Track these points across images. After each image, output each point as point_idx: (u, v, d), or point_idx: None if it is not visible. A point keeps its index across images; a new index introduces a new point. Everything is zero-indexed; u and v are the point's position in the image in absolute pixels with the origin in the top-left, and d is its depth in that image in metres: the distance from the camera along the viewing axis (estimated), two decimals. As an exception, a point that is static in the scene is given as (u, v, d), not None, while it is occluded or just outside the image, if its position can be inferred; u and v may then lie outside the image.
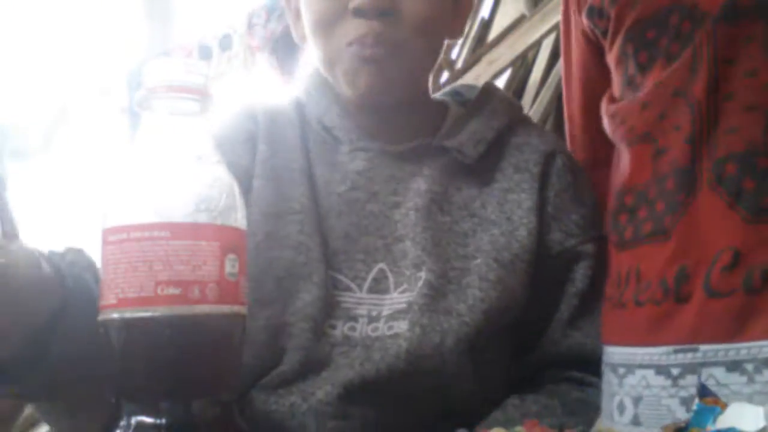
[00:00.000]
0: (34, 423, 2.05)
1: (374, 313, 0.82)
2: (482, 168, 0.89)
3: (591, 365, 0.86)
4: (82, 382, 0.62)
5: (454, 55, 2.73)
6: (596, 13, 0.87)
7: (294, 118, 0.91)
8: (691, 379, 0.73)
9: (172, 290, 0.50)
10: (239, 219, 0.55)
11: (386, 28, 0.81)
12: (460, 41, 2.78)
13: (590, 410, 0.84)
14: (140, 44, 3.73)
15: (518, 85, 2.58)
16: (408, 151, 0.88)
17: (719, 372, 0.72)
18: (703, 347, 0.73)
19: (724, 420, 0.55)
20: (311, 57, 0.89)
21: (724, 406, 0.56)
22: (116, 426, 0.51)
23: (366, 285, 0.83)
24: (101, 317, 0.52)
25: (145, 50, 3.61)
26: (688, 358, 0.73)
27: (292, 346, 0.81)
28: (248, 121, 0.91)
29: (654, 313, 0.77)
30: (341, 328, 0.82)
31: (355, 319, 0.82)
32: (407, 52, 0.83)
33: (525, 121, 0.95)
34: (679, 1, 0.77)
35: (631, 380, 0.78)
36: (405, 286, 0.82)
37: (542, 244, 0.87)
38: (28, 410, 0.86)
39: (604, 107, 0.89)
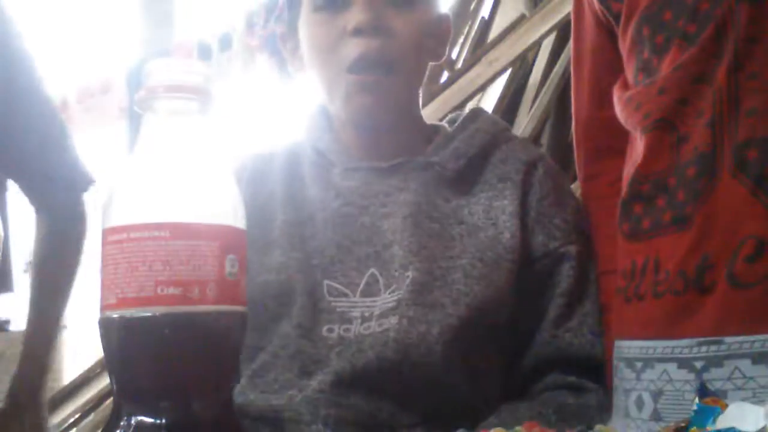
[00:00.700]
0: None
1: (367, 314, 0.87)
2: (468, 180, 0.94)
3: (582, 365, 0.88)
4: None
5: (454, 55, 2.74)
6: None
7: (283, 158, 0.99)
8: (716, 372, 0.71)
9: (172, 290, 0.50)
10: (239, 219, 0.55)
11: (382, 45, 0.87)
12: (460, 41, 2.78)
13: (587, 417, 0.84)
14: (140, 44, 3.73)
15: (518, 85, 2.58)
16: (396, 167, 0.94)
17: (745, 364, 0.70)
18: (728, 339, 0.70)
19: (724, 420, 0.55)
20: (310, 85, 0.95)
21: (724, 406, 0.56)
22: (116, 426, 0.51)
23: (359, 290, 0.88)
24: (101, 317, 0.52)
25: (145, 50, 3.61)
26: (712, 350, 0.71)
27: (289, 354, 0.86)
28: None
29: (674, 305, 0.74)
30: (337, 331, 0.87)
31: (349, 321, 0.87)
32: (401, 72, 0.89)
33: (509, 137, 0.99)
34: None
35: (650, 374, 0.76)
36: (394, 286, 0.87)
37: (527, 247, 0.90)
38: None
39: (617, 94, 0.87)
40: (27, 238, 1.11)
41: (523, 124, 2.38)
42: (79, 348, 3.33)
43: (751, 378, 0.69)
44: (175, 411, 0.51)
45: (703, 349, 0.72)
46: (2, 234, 0.69)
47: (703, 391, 0.62)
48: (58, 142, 1.05)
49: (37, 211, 1.07)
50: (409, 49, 0.89)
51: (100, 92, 3.62)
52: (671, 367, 0.74)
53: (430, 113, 2.39)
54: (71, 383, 2.85)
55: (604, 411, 0.84)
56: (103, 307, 0.52)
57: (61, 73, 3.86)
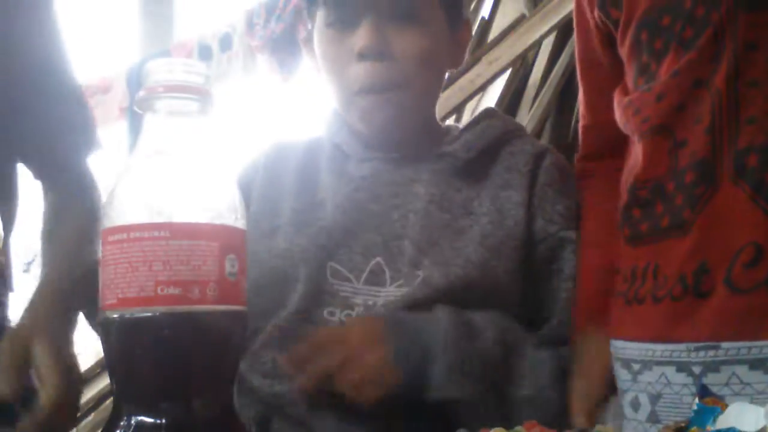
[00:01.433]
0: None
1: (370, 303, 0.88)
2: (478, 172, 0.95)
3: None
4: None
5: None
6: (609, 3, 0.85)
7: (300, 150, 1.02)
8: (713, 377, 0.71)
9: (172, 290, 0.50)
10: (239, 219, 0.55)
11: (387, 69, 0.90)
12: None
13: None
14: (140, 44, 3.73)
15: (518, 85, 2.58)
16: (408, 159, 0.96)
17: (742, 370, 0.70)
18: (726, 345, 0.71)
19: (724, 420, 0.55)
20: (327, 93, 0.98)
21: (724, 406, 0.56)
22: (116, 426, 0.51)
23: (363, 277, 0.90)
24: (101, 317, 0.52)
25: (145, 50, 3.61)
26: (709, 355, 0.72)
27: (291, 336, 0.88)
28: (249, 169, 1.03)
29: (672, 309, 0.75)
30: (339, 315, 0.88)
31: (351, 307, 0.88)
32: (409, 89, 0.92)
33: (520, 133, 1.01)
34: None
35: (647, 377, 0.77)
36: (402, 281, 0.88)
37: (529, 233, 0.92)
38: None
39: (617, 98, 0.87)
40: (26, 238, 1.11)
41: (523, 124, 2.38)
42: (79, 348, 3.32)
43: (748, 384, 0.70)
44: (175, 411, 0.51)
45: (701, 354, 0.72)
46: (2, 234, 0.69)
47: (703, 392, 0.62)
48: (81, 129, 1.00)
49: (48, 189, 0.99)
50: (415, 67, 0.91)
51: (100, 92, 3.62)
52: (670, 370, 0.74)
53: (430, 113, 2.39)
54: (71, 383, 2.84)
55: None
56: (103, 307, 0.52)
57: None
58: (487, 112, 1.02)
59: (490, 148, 0.96)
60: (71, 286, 0.83)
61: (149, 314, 0.50)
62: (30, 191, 0.99)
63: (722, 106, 0.73)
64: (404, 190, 0.94)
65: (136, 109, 0.56)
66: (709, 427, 0.55)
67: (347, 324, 0.85)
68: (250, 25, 3.12)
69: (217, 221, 0.53)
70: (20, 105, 0.89)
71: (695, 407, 0.58)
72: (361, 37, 0.89)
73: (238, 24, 3.18)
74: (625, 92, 0.86)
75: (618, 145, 0.89)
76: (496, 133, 0.97)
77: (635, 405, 0.78)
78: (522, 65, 2.58)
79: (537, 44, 2.48)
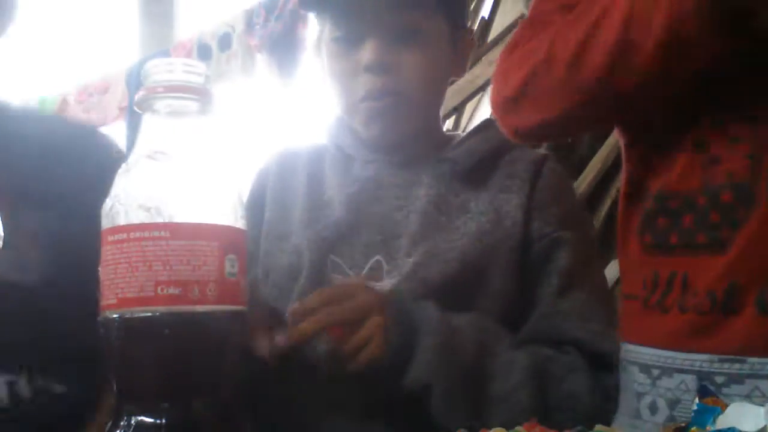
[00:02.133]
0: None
1: None
2: (478, 177, 0.97)
3: (566, 347, 0.89)
4: None
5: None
6: None
7: (306, 155, 1.06)
8: (735, 389, 0.71)
9: (172, 290, 0.50)
10: (239, 219, 0.55)
11: (390, 81, 0.93)
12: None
13: (555, 368, 0.86)
14: (140, 44, 3.73)
15: (518, 84, 2.57)
16: (411, 162, 0.99)
17: (766, 384, 0.71)
18: (752, 359, 0.71)
19: (724, 420, 0.55)
20: (331, 99, 1.01)
21: (724, 406, 0.56)
22: (116, 426, 0.51)
23: (362, 274, 0.92)
24: (101, 317, 0.52)
25: (145, 50, 3.61)
26: (735, 368, 0.72)
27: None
28: (261, 176, 1.07)
29: (698, 321, 0.75)
30: None
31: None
32: (412, 100, 0.95)
33: (520, 144, 1.01)
34: None
35: (667, 383, 0.77)
36: (395, 272, 0.91)
37: (526, 234, 0.94)
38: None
39: None
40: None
41: (523, 124, 2.38)
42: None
43: None
44: (175, 411, 0.51)
45: (725, 365, 0.73)
46: (2, 234, 0.69)
47: (703, 391, 0.62)
48: None
49: None
50: (419, 80, 0.94)
51: (100, 92, 3.62)
52: (690, 378, 0.75)
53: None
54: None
55: (572, 371, 0.86)
56: (103, 307, 0.52)
57: (62, 72, 3.86)
58: (489, 122, 1.04)
59: (490, 155, 0.99)
60: None
61: (149, 314, 0.50)
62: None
63: (765, 135, 0.73)
64: (405, 193, 0.97)
65: (135, 108, 0.56)
66: (709, 427, 0.55)
67: (358, 281, 0.88)
68: (249, 24, 3.12)
69: (217, 221, 0.53)
70: None
71: (695, 407, 0.58)
72: (367, 53, 0.92)
73: (237, 24, 3.17)
74: None
75: None
76: (497, 143, 0.99)
77: (653, 408, 0.78)
78: (522, 65, 2.57)
79: (537, 44, 2.47)
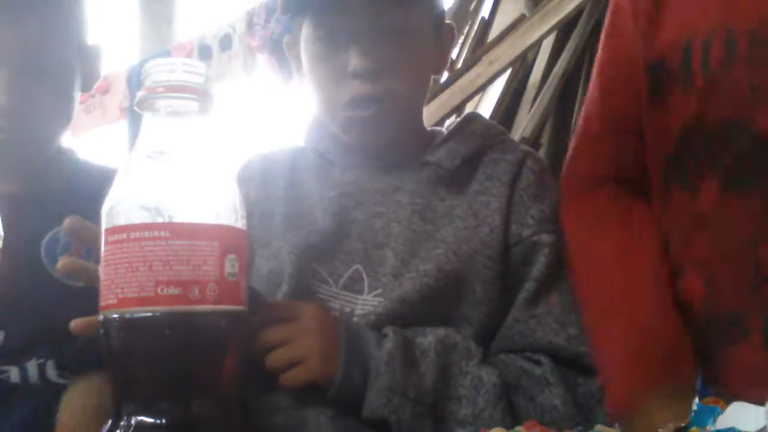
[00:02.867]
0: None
1: (347, 310, 0.88)
2: (460, 179, 0.95)
3: (538, 353, 0.88)
4: None
5: (454, 55, 2.74)
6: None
7: (286, 160, 1.03)
8: None
9: (172, 290, 0.50)
10: (239, 219, 0.55)
11: (377, 83, 0.89)
12: (460, 41, 2.79)
13: (527, 383, 0.85)
14: (140, 44, 3.72)
15: (518, 85, 2.58)
16: (393, 167, 0.96)
17: None
18: None
19: (724, 420, 0.55)
20: (310, 101, 0.98)
21: (725, 406, 0.56)
22: (116, 426, 0.51)
23: (341, 281, 0.90)
24: (101, 317, 0.52)
25: (145, 50, 3.61)
26: None
27: None
28: (242, 182, 0.98)
29: None
30: None
31: (328, 311, 0.87)
32: (396, 107, 0.91)
33: (502, 140, 1.01)
34: None
35: None
36: (380, 290, 0.88)
37: (505, 239, 0.92)
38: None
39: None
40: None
41: (523, 124, 2.38)
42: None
43: None
44: (175, 411, 0.51)
45: None
46: (2, 234, 0.70)
47: (703, 392, 0.62)
48: None
49: None
50: (405, 79, 0.91)
51: (100, 92, 3.62)
52: None
53: (430, 113, 2.39)
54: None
55: (545, 385, 0.84)
56: (103, 307, 0.52)
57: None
58: (470, 117, 1.02)
59: (473, 155, 0.96)
60: None
61: (149, 314, 0.50)
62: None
63: None
64: (388, 199, 0.94)
65: (136, 108, 0.56)
66: (709, 427, 0.55)
67: (304, 305, 0.84)
68: (250, 25, 3.12)
69: (217, 221, 0.53)
70: None
71: (695, 407, 0.58)
72: (355, 57, 0.88)
73: (238, 24, 3.17)
74: None
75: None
76: (479, 141, 0.97)
77: None
78: (522, 65, 2.58)
79: (537, 44, 2.48)
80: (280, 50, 3.02)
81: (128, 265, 0.51)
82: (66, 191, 0.99)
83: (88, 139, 3.55)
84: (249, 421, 0.85)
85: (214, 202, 0.54)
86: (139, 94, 0.55)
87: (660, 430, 0.59)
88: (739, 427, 0.53)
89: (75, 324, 0.72)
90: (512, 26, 2.55)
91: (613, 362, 0.82)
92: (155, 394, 0.51)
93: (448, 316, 0.88)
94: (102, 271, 0.53)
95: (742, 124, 0.75)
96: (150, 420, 0.51)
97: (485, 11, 2.82)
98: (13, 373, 0.89)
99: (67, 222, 0.68)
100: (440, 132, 1.02)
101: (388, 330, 0.83)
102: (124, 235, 0.51)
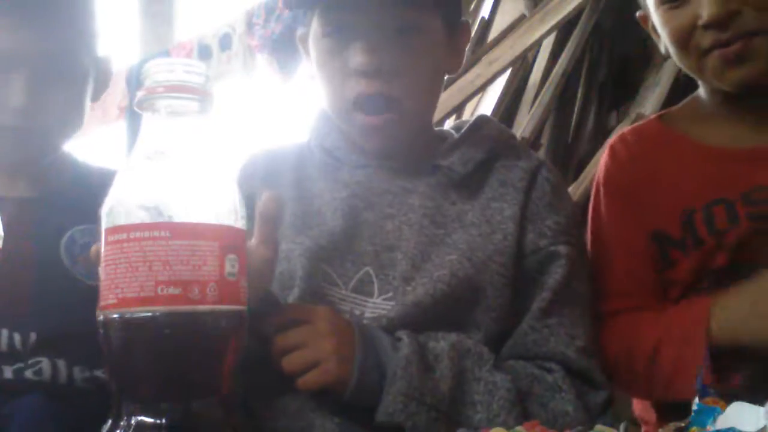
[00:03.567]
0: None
1: (357, 312, 0.88)
2: (472, 184, 0.95)
3: (549, 362, 0.88)
4: None
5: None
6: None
7: (291, 157, 1.01)
8: None
9: (172, 290, 0.50)
10: (239, 219, 0.55)
11: (384, 85, 0.88)
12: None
13: (539, 389, 0.85)
14: (140, 44, 3.72)
15: (518, 85, 2.58)
16: (404, 169, 0.95)
17: None
18: None
19: (724, 420, 0.55)
20: (319, 96, 0.97)
21: (724, 406, 0.56)
22: (116, 426, 0.51)
23: (351, 284, 0.89)
24: (101, 317, 0.52)
25: (145, 50, 3.61)
26: None
27: None
28: (247, 179, 1.00)
29: None
30: None
31: (340, 313, 0.87)
32: (407, 103, 0.90)
33: (514, 146, 1.00)
34: None
35: None
36: (390, 294, 0.88)
37: (519, 247, 0.91)
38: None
39: None
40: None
41: (523, 124, 2.37)
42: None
43: None
44: (175, 411, 0.51)
45: None
46: (2, 234, 0.70)
47: (703, 392, 0.62)
48: None
49: None
50: (414, 80, 0.90)
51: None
52: None
53: (430, 113, 2.39)
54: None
55: (557, 392, 0.85)
56: (103, 307, 0.52)
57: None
58: (482, 121, 1.01)
59: (485, 161, 0.96)
60: None
61: (149, 314, 0.50)
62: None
63: None
64: (399, 201, 0.93)
65: (135, 108, 0.56)
66: (709, 427, 0.55)
67: (318, 308, 0.84)
68: (249, 25, 3.12)
69: (217, 221, 0.53)
70: None
71: (695, 407, 0.58)
72: (358, 54, 0.87)
73: (237, 24, 3.17)
74: None
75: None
76: (491, 145, 0.97)
77: None
78: (522, 65, 2.57)
79: (537, 44, 2.47)
80: (279, 50, 3.03)
81: (128, 265, 0.51)
82: (67, 194, 1.01)
83: (86, 138, 3.55)
84: (256, 424, 0.85)
85: (214, 202, 0.54)
86: (139, 94, 0.55)
87: (660, 430, 0.59)
88: (739, 427, 0.53)
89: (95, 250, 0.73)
90: (512, 26, 2.55)
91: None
92: (155, 394, 0.51)
93: (459, 322, 0.88)
94: (102, 271, 0.53)
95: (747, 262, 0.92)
96: (150, 420, 0.51)
97: (485, 11, 2.82)
98: (45, 365, 0.91)
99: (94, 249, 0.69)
100: (449, 134, 1.01)
101: (402, 334, 0.83)
102: (124, 235, 0.51)
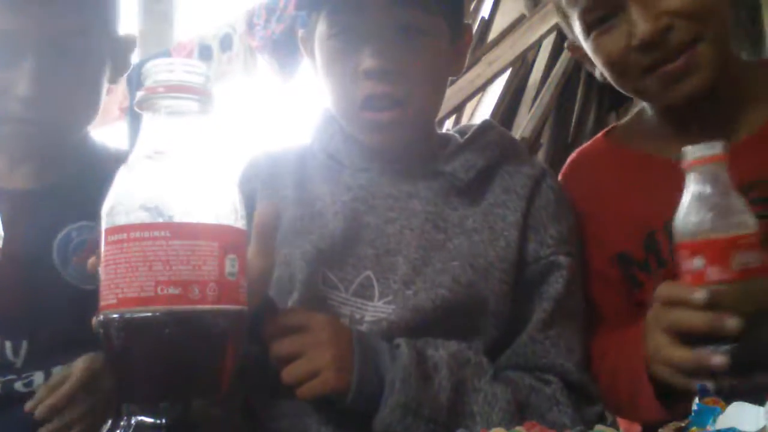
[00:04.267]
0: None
1: (357, 317, 0.88)
2: (475, 190, 0.95)
3: (548, 374, 0.88)
4: None
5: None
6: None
7: (293, 159, 1.01)
8: None
9: (172, 290, 0.50)
10: (239, 219, 0.55)
11: (391, 86, 0.88)
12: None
13: (538, 400, 0.85)
14: (140, 44, 3.73)
15: (518, 85, 2.58)
16: (407, 172, 0.95)
17: None
18: None
19: (724, 420, 0.55)
20: (324, 98, 0.97)
21: (724, 406, 0.56)
22: (116, 426, 0.51)
23: (352, 288, 0.89)
24: (101, 317, 0.52)
25: (145, 50, 3.61)
26: None
27: None
28: (248, 181, 1.00)
29: None
30: None
31: (339, 317, 0.87)
32: (412, 104, 0.90)
33: (517, 152, 1.01)
34: None
35: None
36: (390, 297, 0.88)
37: (521, 255, 0.91)
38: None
39: None
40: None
41: (523, 124, 2.38)
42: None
43: None
44: (175, 411, 0.51)
45: None
46: (2, 234, 0.69)
47: (703, 392, 0.62)
48: None
49: None
50: (419, 82, 0.90)
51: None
52: None
53: (430, 113, 2.39)
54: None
55: (555, 404, 0.85)
56: (103, 307, 0.52)
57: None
58: (485, 126, 1.01)
59: (489, 167, 0.96)
60: None
61: (149, 314, 0.50)
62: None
63: None
64: (401, 205, 0.93)
65: (136, 108, 0.56)
66: (709, 427, 0.55)
67: (317, 315, 0.83)
68: (250, 25, 3.12)
69: (217, 221, 0.53)
70: None
71: (695, 407, 0.58)
72: (367, 57, 0.87)
73: (238, 24, 3.18)
74: None
75: None
76: (494, 152, 0.97)
77: None
78: (522, 65, 2.58)
79: (537, 44, 2.48)
80: (280, 50, 3.03)
81: (128, 265, 0.51)
82: (84, 178, 0.96)
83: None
84: (256, 425, 0.85)
85: (214, 202, 0.54)
86: (139, 94, 0.55)
87: (660, 430, 0.59)
88: (739, 427, 0.53)
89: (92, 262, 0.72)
90: (512, 26, 2.55)
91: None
92: (155, 394, 0.51)
93: (460, 327, 0.88)
94: (102, 271, 0.53)
95: None
96: (150, 420, 0.51)
97: (485, 11, 2.82)
98: (38, 378, 0.88)
99: None
100: (453, 137, 1.01)
101: (401, 341, 0.83)
102: (124, 235, 0.51)
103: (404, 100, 0.89)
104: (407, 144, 0.95)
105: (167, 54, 3.34)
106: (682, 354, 0.73)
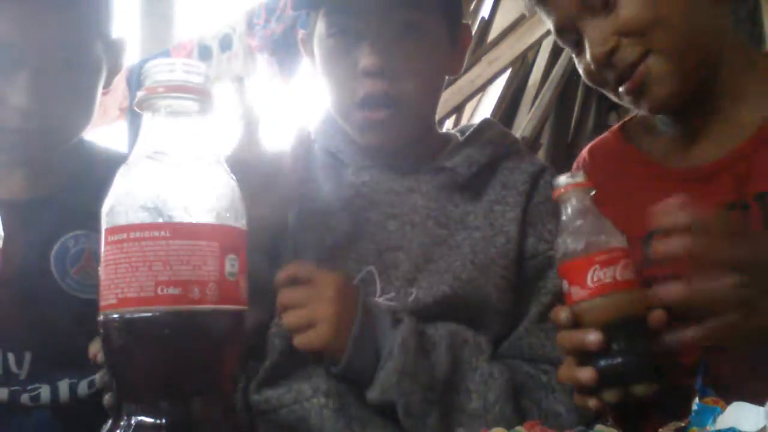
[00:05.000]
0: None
1: None
2: (476, 186, 0.95)
3: (544, 364, 0.89)
4: None
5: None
6: None
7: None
8: None
9: (172, 290, 0.50)
10: (239, 219, 0.55)
11: (389, 85, 0.89)
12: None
13: (534, 386, 0.86)
14: (140, 44, 3.73)
15: (518, 85, 2.58)
16: (408, 169, 0.96)
17: None
18: None
19: (724, 420, 0.55)
20: (323, 98, 0.97)
21: (724, 406, 0.56)
22: (116, 426, 0.51)
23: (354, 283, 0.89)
24: (101, 317, 0.52)
25: (145, 50, 3.61)
26: None
27: (281, 334, 0.87)
28: None
29: None
30: None
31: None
32: (411, 108, 0.91)
33: (518, 150, 1.01)
34: None
35: None
36: (392, 294, 0.88)
37: (520, 250, 0.92)
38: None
39: None
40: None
41: (523, 124, 2.38)
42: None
43: None
44: (175, 411, 0.51)
45: None
46: (2, 234, 0.69)
47: (703, 392, 0.62)
48: None
49: None
50: (417, 80, 0.91)
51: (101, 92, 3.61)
52: None
53: (430, 113, 2.39)
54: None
55: (551, 392, 0.86)
56: (103, 307, 0.52)
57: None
58: (487, 124, 1.02)
59: (489, 164, 0.97)
60: None
61: (149, 314, 0.50)
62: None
63: None
64: (402, 200, 0.94)
65: (136, 109, 0.56)
66: (709, 427, 0.55)
67: (328, 273, 0.84)
68: (250, 25, 3.12)
69: (217, 221, 0.53)
70: None
71: (695, 407, 0.58)
72: (365, 56, 0.88)
73: (238, 24, 3.17)
74: None
75: None
76: (495, 148, 0.97)
77: None
78: (522, 65, 2.58)
79: (537, 44, 2.48)
80: (280, 50, 3.03)
81: (128, 265, 0.51)
82: (77, 186, 0.96)
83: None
84: (252, 418, 0.86)
85: (214, 202, 0.54)
86: (139, 94, 0.55)
87: (660, 430, 0.59)
88: (739, 427, 0.53)
89: (93, 350, 0.74)
90: (512, 26, 2.55)
91: None
92: (155, 394, 0.51)
93: (462, 323, 0.88)
94: (102, 271, 0.53)
95: None
96: (150, 420, 0.51)
97: (485, 11, 2.82)
98: (44, 391, 0.89)
99: None
100: (454, 136, 1.02)
101: (404, 315, 0.84)
102: (124, 235, 0.51)
103: (401, 99, 0.90)
104: (405, 143, 0.95)
105: (167, 54, 3.34)
106: (570, 374, 0.75)
